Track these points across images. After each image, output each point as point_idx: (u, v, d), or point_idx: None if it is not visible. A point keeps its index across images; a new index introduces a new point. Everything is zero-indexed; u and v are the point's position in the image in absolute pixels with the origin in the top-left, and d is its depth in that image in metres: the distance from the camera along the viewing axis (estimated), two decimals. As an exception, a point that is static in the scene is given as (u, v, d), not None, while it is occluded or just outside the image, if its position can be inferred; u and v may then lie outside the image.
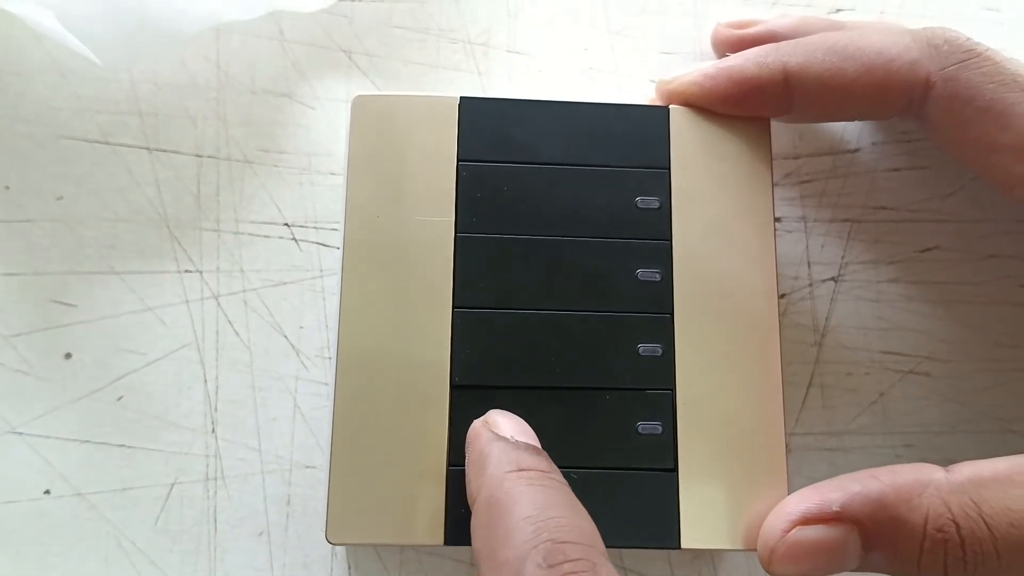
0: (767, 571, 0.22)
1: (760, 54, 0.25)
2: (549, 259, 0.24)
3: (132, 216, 0.28)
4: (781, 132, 0.29)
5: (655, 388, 0.24)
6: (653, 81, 0.28)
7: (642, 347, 0.24)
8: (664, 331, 0.24)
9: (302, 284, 0.28)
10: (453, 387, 0.23)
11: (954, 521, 0.20)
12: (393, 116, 0.25)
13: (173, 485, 0.26)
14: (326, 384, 0.27)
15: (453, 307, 0.24)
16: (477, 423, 0.22)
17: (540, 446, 0.22)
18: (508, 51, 0.30)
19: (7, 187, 0.28)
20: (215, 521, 0.26)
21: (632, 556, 0.26)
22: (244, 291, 0.27)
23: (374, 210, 0.24)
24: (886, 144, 0.29)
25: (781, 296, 0.27)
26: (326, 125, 0.29)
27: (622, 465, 0.23)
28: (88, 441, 0.26)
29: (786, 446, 0.24)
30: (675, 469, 0.23)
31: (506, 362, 0.23)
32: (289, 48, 0.29)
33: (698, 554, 0.26)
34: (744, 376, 0.24)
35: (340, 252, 0.24)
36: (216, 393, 0.27)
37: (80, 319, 0.27)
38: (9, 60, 0.29)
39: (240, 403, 0.27)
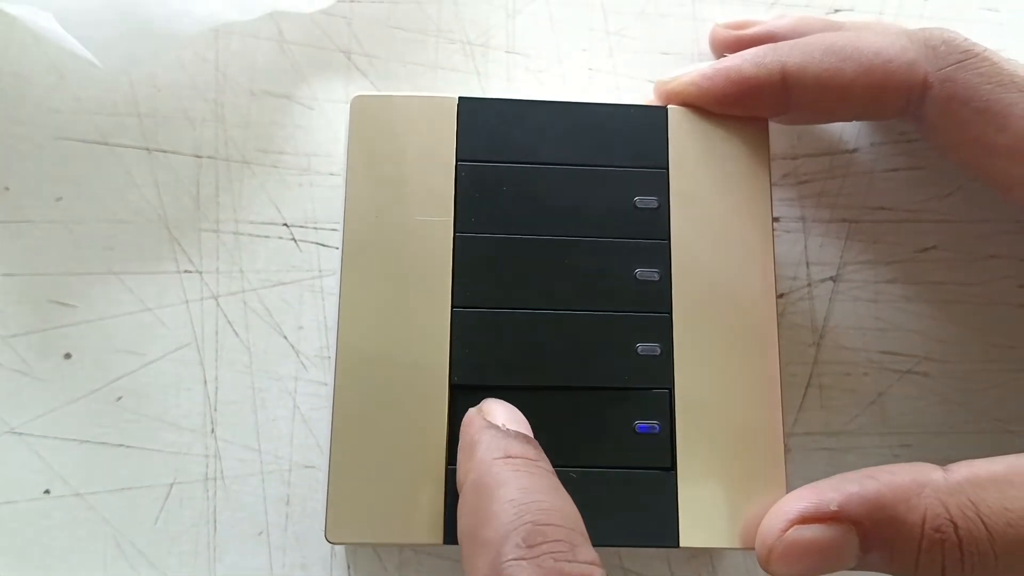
0: (765, 570, 0.22)
1: (758, 54, 0.25)
2: (548, 259, 0.24)
3: (131, 217, 0.28)
4: (779, 132, 0.29)
5: (653, 387, 0.24)
6: (651, 82, 0.28)
7: (640, 347, 0.24)
8: (662, 331, 0.24)
9: (301, 284, 0.28)
10: (452, 387, 0.23)
11: (952, 521, 0.20)
12: (392, 116, 0.25)
13: (172, 485, 0.26)
14: (325, 384, 0.27)
15: (452, 307, 0.24)
16: (472, 410, 0.22)
17: (531, 435, 0.22)
18: (507, 52, 0.30)
19: (6, 188, 0.28)
20: (214, 521, 0.26)
21: (630, 555, 0.26)
22: (243, 291, 0.27)
23: (373, 210, 0.24)
24: (884, 144, 0.29)
25: (779, 296, 0.27)
26: (325, 126, 0.29)
27: (621, 464, 0.23)
28: (87, 441, 0.26)
29: (784, 446, 0.24)
30: (674, 468, 0.23)
31: (505, 362, 0.23)
32: (288, 49, 0.29)
33: (696, 553, 0.26)
34: (742, 376, 0.24)
35: (339, 252, 0.24)
36: (215, 393, 0.27)
37: (79, 320, 0.27)
38: (8, 61, 0.29)
39: (239, 403, 0.27)
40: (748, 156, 0.25)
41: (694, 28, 0.30)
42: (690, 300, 0.24)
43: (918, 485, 0.21)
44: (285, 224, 0.28)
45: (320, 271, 0.28)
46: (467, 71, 0.29)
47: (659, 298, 0.24)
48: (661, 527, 0.23)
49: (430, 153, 0.25)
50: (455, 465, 0.23)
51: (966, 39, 0.25)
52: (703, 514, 0.23)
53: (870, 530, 0.21)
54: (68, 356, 0.27)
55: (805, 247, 0.28)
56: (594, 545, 0.20)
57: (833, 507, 0.21)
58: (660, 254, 0.24)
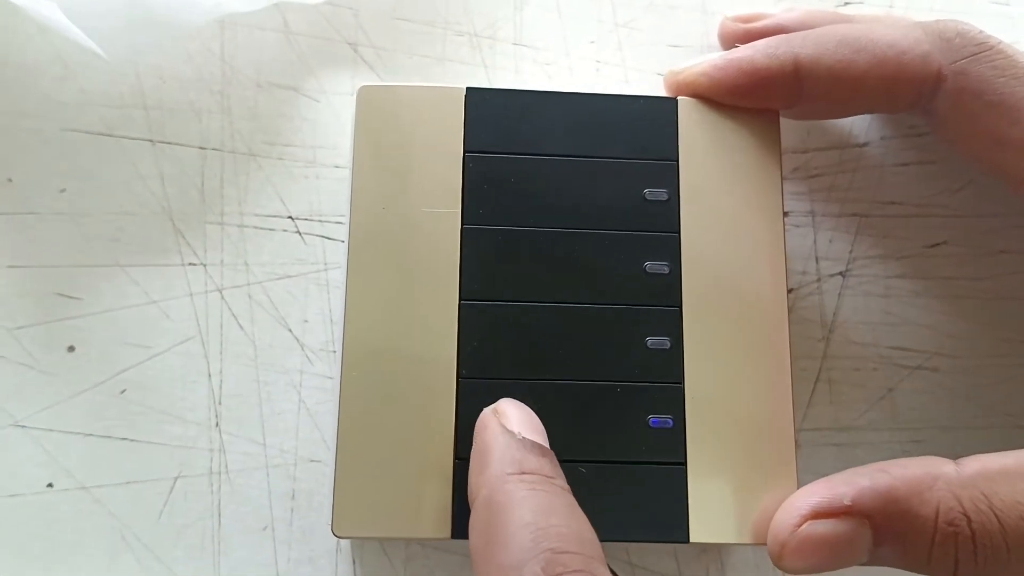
0: (777, 566, 0.21)
1: (770, 45, 0.24)
2: (556, 251, 0.24)
3: (136, 209, 0.27)
4: (789, 126, 0.28)
5: (663, 382, 0.23)
6: (660, 75, 0.28)
7: (650, 340, 0.23)
8: (672, 324, 0.24)
9: (307, 277, 0.27)
10: (460, 380, 0.23)
11: (965, 514, 0.20)
12: (399, 107, 0.25)
13: (177, 479, 0.26)
14: (331, 378, 0.27)
15: (460, 300, 0.24)
16: (487, 411, 0.22)
17: (547, 441, 0.21)
18: (515, 44, 0.30)
19: (10, 179, 0.28)
20: (219, 516, 0.26)
21: (638, 551, 0.26)
22: (248, 284, 0.27)
23: (379, 202, 0.24)
24: (895, 139, 0.29)
25: (789, 291, 0.27)
26: (331, 118, 0.29)
27: (631, 459, 0.23)
28: (91, 435, 0.26)
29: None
30: (684, 463, 0.23)
31: (513, 355, 0.23)
32: (294, 40, 0.29)
33: (705, 548, 0.26)
34: (753, 370, 0.23)
35: (345, 245, 0.24)
36: (220, 387, 0.26)
37: (84, 312, 0.27)
38: (14, 52, 0.29)
39: (244, 397, 0.26)
40: (759, 148, 0.25)
41: (703, 21, 0.30)
42: (700, 293, 0.24)
43: (931, 478, 0.21)
44: (290, 217, 0.28)
45: (326, 264, 0.28)
46: (474, 63, 0.29)
47: (669, 291, 0.24)
48: (671, 522, 0.22)
49: (437, 144, 0.24)
50: (463, 458, 0.22)
51: (980, 31, 0.24)
52: (713, 509, 0.23)
53: (882, 524, 0.20)
54: (72, 349, 0.27)
55: (815, 241, 0.28)
56: (602, 541, 0.20)
57: (846, 501, 0.20)
58: (670, 247, 0.24)
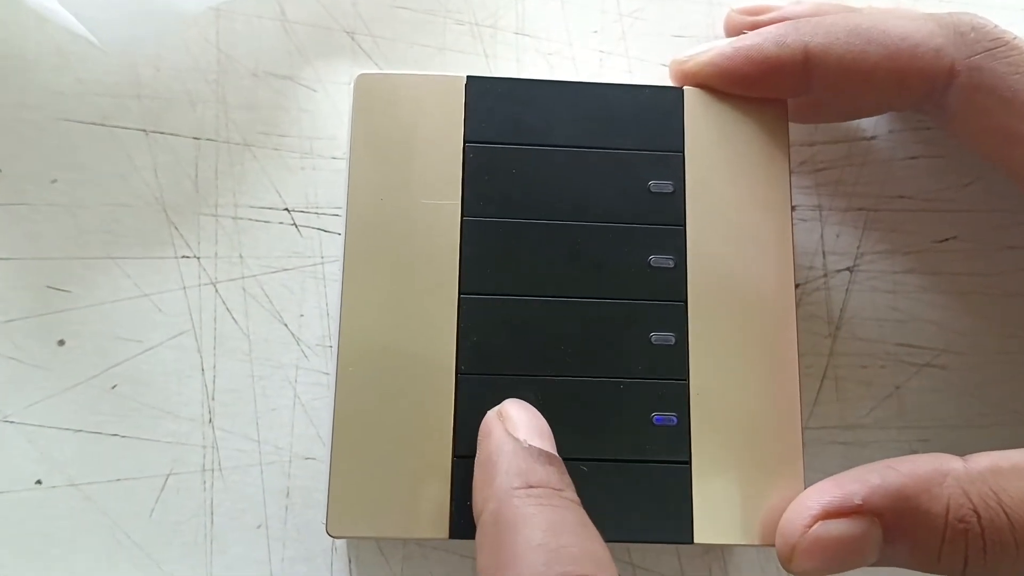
0: (786, 568, 0.21)
1: (780, 33, 0.24)
2: (559, 244, 0.23)
3: (129, 201, 0.27)
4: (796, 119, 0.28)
5: (668, 378, 0.23)
6: (665, 66, 0.27)
7: (654, 336, 0.23)
8: (677, 319, 0.23)
9: (303, 271, 0.27)
10: (459, 376, 0.23)
11: (975, 511, 0.20)
12: (397, 96, 0.24)
13: (169, 476, 0.25)
14: (327, 374, 0.26)
15: (459, 293, 0.23)
16: (491, 415, 0.21)
17: (555, 445, 0.21)
18: (516, 33, 0.29)
19: (1, 170, 0.27)
20: (212, 513, 0.25)
21: (640, 551, 0.26)
22: (243, 278, 0.27)
23: (377, 193, 0.23)
24: (903, 132, 0.29)
25: (795, 286, 0.26)
26: (329, 108, 0.28)
27: (634, 457, 0.22)
28: (82, 430, 0.26)
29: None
30: (688, 462, 0.22)
31: (514, 350, 0.23)
32: (291, 29, 0.29)
33: (708, 549, 0.26)
34: (760, 367, 0.23)
35: (342, 238, 0.24)
36: (214, 382, 0.26)
37: (75, 305, 0.26)
38: (11, 43, 0.28)
39: (238, 392, 0.26)
40: (767, 139, 0.24)
41: (709, 11, 0.29)
42: (706, 288, 0.23)
43: (940, 475, 0.20)
44: (286, 209, 0.27)
45: (322, 257, 0.27)
46: (475, 53, 0.29)
47: (674, 286, 0.23)
48: (674, 523, 0.22)
49: (437, 134, 0.24)
50: (462, 456, 0.22)
51: (996, 26, 0.24)
52: (718, 509, 0.22)
53: (893, 522, 0.20)
54: (63, 343, 0.26)
55: (821, 236, 0.28)
56: (609, 541, 0.19)
57: (858, 500, 0.20)
58: (675, 240, 0.24)
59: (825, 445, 0.26)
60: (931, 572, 0.21)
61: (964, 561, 0.20)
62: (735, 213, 0.24)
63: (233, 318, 0.26)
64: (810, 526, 0.20)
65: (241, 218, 0.27)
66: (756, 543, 0.22)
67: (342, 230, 0.24)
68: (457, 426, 0.22)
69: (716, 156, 0.24)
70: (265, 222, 0.27)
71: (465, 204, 0.23)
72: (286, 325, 0.26)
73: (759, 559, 0.26)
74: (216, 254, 0.27)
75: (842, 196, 0.28)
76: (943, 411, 0.27)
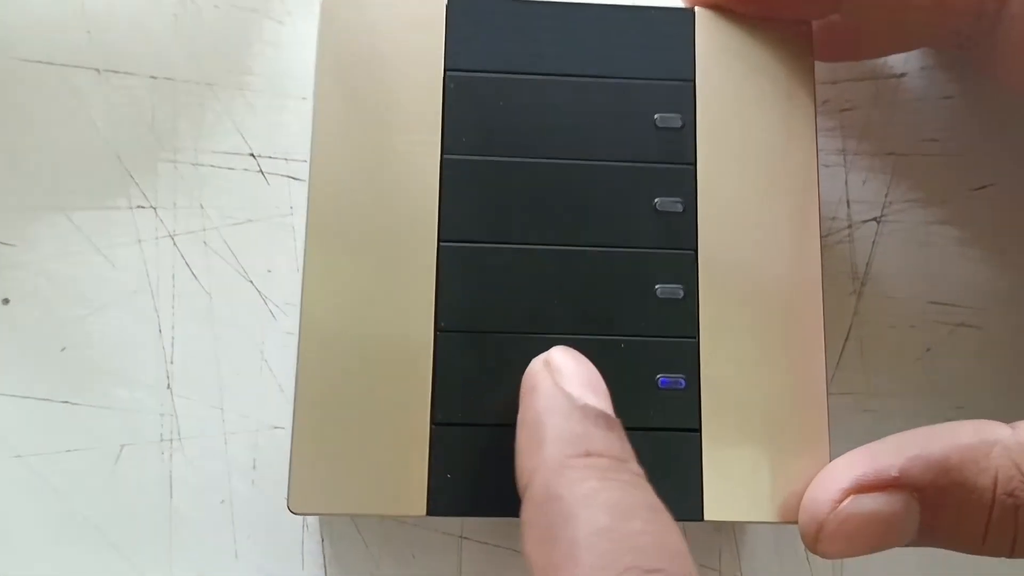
0: (811, 549, 0.19)
1: None
2: (551, 186, 0.21)
3: (79, 146, 0.25)
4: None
5: (675, 336, 0.21)
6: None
7: (660, 288, 0.21)
8: (686, 270, 0.21)
9: (270, 222, 0.25)
10: (438, 333, 0.20)
11: None
12: (369, 20, 0.22)
13: (123, 447, 0.24)
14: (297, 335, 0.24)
15: (439, 241, 0.21)
16: (537, 365, 0.19)
17: (611, 407, 0.18)
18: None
19: (-65, 110, 0.25)
20: (171, 488, 0.24)
21: None
22: (204, 230, 0.25)
23: (346, 130, 0.21)
24: (936, 69, 0.27)
25: (818, 237, 0.25)
26: (297, 43, 0.26)
27: (636, 424, 0.20)
28: (28, 397, 0.24)
29: (826, 404, 0.21)
30: (698, 429, 0.20)
31: (500, 305, 0.21)
32: (256, -46, 0.26)
33: (719, 527, 0.24)
34: (779, 324, 0.21)
35: (307, 180, 0.22)
36: (172, 344, 0.24)
37: (20, 261, 0.25)
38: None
39: (199, 356, 0.24)
40: (789, 66, 0.22)
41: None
42: (718, 235, 0.21)
43: (986, 444, 0.18)
44: (252, 154, 0.26)
45: (291, 208, 0.25)
46: (461, -21, 0.26)
47: (682, 232, 0.21)
48: (682, 498, 0.20)
49: (414, 62, 0.22)
50: (442, 424, 0.20)
51: None
52: (731, 483, 0.20)
53: (933, 498, 0.18)
54: (6, 301, 0.25)
55: (846, 183, 0.26)
56: None
57: (894, 472, 0.18)
58: (684, 181, 0.21)
59: (848, 413, 0.25)
60: (974, 553, 0.19)
61: (1013, 541, 0.18)
62: (752, 150, 0.22)
63: (193, 274, 0.25)
64: (840, 501, 0.18)
65: (202, 164, 0.25)
66: (775, 521, 0.20)
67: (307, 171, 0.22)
68: (436, 390, 0.20)
69: (731, 86, 0.22)
70: (228, 169, 0.25)
71: (445, 141, 0.21)
72: (252, 282, 0.25)
73: (776, 539, 0.24)
74: (174, 204, 0.25)
75: (869, 139, 0.26)
76: (979, 375, 0.25)
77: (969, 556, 0.19)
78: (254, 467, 0.24)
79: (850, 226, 0.26)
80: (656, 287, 0.21)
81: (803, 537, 0.19)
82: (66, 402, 0.24)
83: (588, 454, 0.17)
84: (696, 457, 0.20)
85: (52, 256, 0.25)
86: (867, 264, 0.26)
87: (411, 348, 0.20)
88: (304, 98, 0.26)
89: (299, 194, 0.25)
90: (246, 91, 0.26)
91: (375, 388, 0.20)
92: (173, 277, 0.25)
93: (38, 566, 0.23)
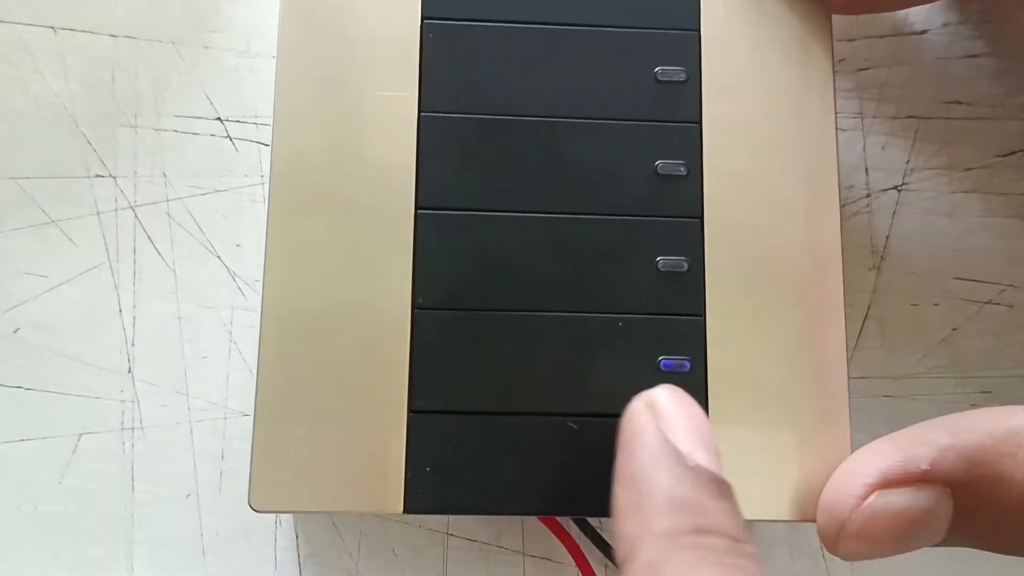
0: (831, 550, 0.17)
1: None
2: (541, 146, 0.20)
3: (33, 110, 0.24)
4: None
5: (679, 313, 0.19)
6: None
7: (662, 260, 0.19)
8: (690, 240, 0.19)
9: (239, 192, 0.24)
10: (416, 311, 0.19)
11: None
12: (339, -36, 0.20)
13: (82, 436, 0.23)
14: (268, 314, 0.23)
15: (416, 208, 0.19)
16: (639, 406, 0.17)
17: (719, 457, 0.16)
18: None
19: None
20: (133, 480, 0.22)
21: None
22: (167, 201, 0.24)
23: (312, 86, 0.19)
24: (961, 25, 0.26)
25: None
26: (269, -2, 0.25)
27: None
28: (-22, 383, 0.23)
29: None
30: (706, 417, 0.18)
31: (484, 279, 0.19)
32: (223, -100, 0.24)
33: (726, 523, 0.22)
34: (794, 300, 0.19)
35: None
36: (134, 325, 0.23)
37: (-32, 234, 0.23)
38: None
39: (163, 338, 0.23)
40: (803, 15, 0.20)
41: None
42: (726, 201, 0.20)
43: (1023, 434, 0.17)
44: (219, 118, 0.24)
45: (262, 176, 0.24)
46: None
47: (686, 198, 0.20)
48: None
49: (387, 9, 0.20)
50: (419, 412, 0.18)
51: None
52: (741, 477, 0.18)
53: (967, 493, 0.17)
54: None
55: (864, 149, 0.25)
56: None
57: (924, 465, 0.17)
58: (688, 141, 0.20)
59: (867, 399, 0.23)
60: (1009, 553, 0.18)
61: None
62: (763, 108, 0.20)
63: (156, 249, 0.23)
64: (864, 497, 0.17)
65: (165, 130, 0.24)
66: (790, 519, 0.19)
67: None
68: (413, 374, 0.19)
69: (740, 36, 0.20)
70: (194, 134, 0.24)
71: (423, 97, 0.20)
72: (219, 257, 0.23)
73: (789, 538, 0.23)
74: (136, 173, 0.24)
75: (888, 101, 0.25)
76: (1008, 358, 0.24)
77: (1002, 556, 0.18)
78: (222, 457, 0.22)
79: (868, 195, 0.24)
80: (657, 259, 0.19)
81: (822, 537, 0.17)
82: (19, 387, 0.23)
83: (700, 530, 0.15)
84: (702, 448, 0.18)
85: (4, 229, 0.23)
86: (887, 237, 0.24)
87: (386, 328, 0.19)
88: (275, 57, 0.23)
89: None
90: (212, 50, 0.24)
91: (346, 372, 0.18)
92: (134, 252, 0.23)
93: (-11, 564, 0.22)
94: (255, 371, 0.22)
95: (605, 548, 0.21)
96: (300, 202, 0.19)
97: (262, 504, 0.18)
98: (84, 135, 0.24)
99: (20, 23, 0.24)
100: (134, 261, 0.23)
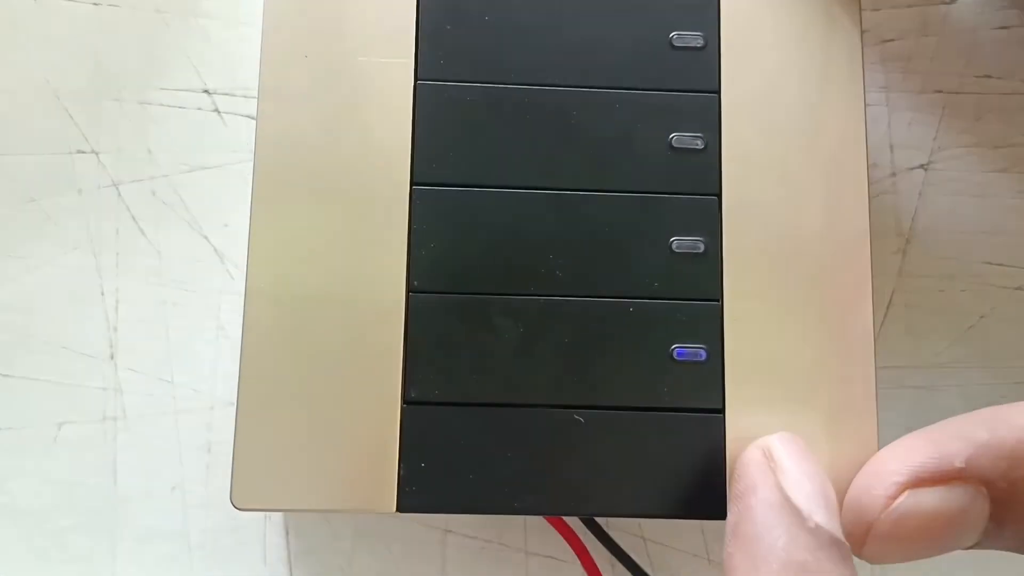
0: (856, 552, 0.16)
1: None
2: (546, 118, 0.18)
3: (12, 83, 0.23)
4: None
5: (694, 298, 0.18)
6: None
7: (676, 241, 0.18)
8: (707, 219, 0.18)
9: (227, 169, 0.23)
10: (410, 295, 0.18)
11: None
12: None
13: (62, 425, 0.22)
14: (258, 298, 0.22)
15: (411, 184, 0.18)
16: (755, 454, 0.16)
17: (837, 512, 0.16)
18: None
19: None
20: (115, 472, 0.22)
21: (653, 522, 0.22)
22: (152, 178, 0.23)
23: (300, 50, 0.18)
24: None
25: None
26: (259, -37, 0.23)
27: (647, 404, 0.18)
28: (-47, 369, 0.22)
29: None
30: (721, 410, 0.18)
31: (485, 261, 0.18)
32: None
33: (741, 521, 0.21)
34: (817, 284, 0.18)
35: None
36: (116, 309, 0.22)
37: (-57, 213, 0.23)
38: None
39: (147, 323, 0.22)
40: None
41: None
42: (746, 177, 0.18)
43: None
44: (206, 91, 0.23)
45: (251, 152, 0.22)
46: None
47: (703, 174, 0.18)
48: (702, 492, 0.17)
49: None
50: (413, 403, 0.17)
51: None
52: None
53: (1005, 493, 0.16)
54: None
55: (889, 126, 0.24)
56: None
57: (958, 463, 0.15)
58: (705, 112, 0.19)
59: (890, 389, 0.22)
60: None
61: None
62: (787, 76, 0.19)
63: (140, 229, 0.23)
64: (895, 497, 0.16)
65: (150, 103, 0.23)
66: None
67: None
68: (408, 363, 0.17)
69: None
70: (180, 108, 0.23)
71: (420, 63, 0.18)
72: (207, 238, 0.23)
73: None
74: (119, 148, 0.23)
75: (915, 75, 0.24)
76: None
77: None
78: (208, 449, 0.22)
79: (894, 174, 0.23)
80: (672, 240, 0.18)
81: (847, 538, 0.16)
82: (-3, 374, 0.22)
83: None
84: (719, 443, 0.17)
85: (-20, 208, 0.22)
86: (912, 218, 0.23)
87: (379, 313, 0.17)
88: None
89: (260, 137, 0.23)
90: (200, 19, 0.23)
91: (335, 360, 0.17)
92: (117, 232, 0.22)
93: (-36, 560, 0.21)
94: (243, 358, 0.21)
95: (612, 547, 0.20)
96: (286, 179, 0.18)
97: (245, 502, 0.17)
98: (65, 109, 0.23)
99: (-2, -10, 0.23)
100: (117, 242, 0.22)
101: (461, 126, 0.18)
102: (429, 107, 0.18)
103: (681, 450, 0.17)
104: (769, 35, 0.19)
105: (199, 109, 0.23)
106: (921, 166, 0.23)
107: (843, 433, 0.18)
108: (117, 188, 0.22)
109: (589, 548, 0.20)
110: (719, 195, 0.18)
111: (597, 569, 0.20)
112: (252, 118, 0.23)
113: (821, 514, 0.15)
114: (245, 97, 0.23)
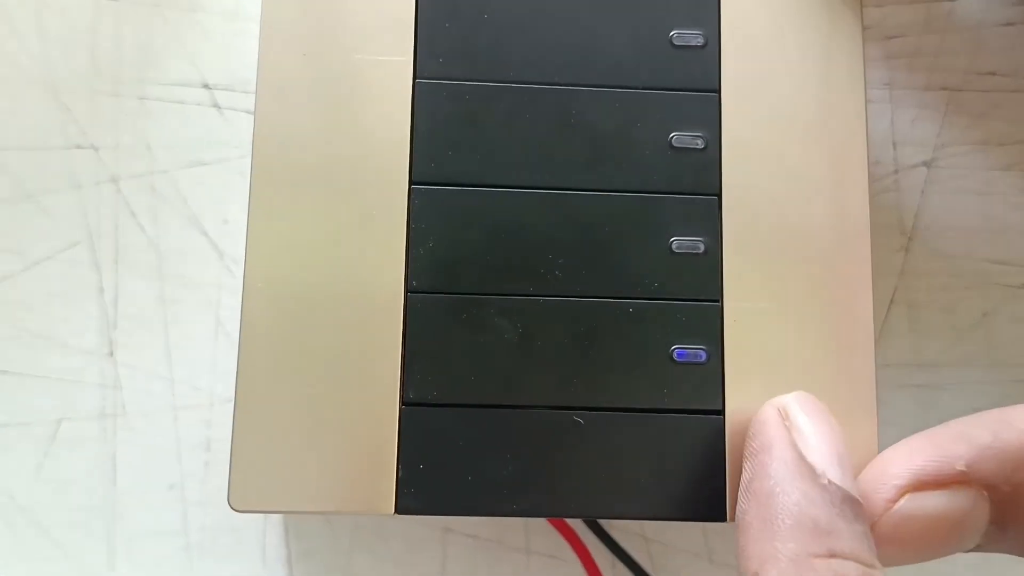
0: None
1: None
2: (545, 116, 0.18)
3: (8, 76, 0.23)
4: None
5: (694, 299, 0.18)
6: None
7: (676, 241, 0.18)
8: (707, 219, 0.18)
9: (226, 165, 0.23)
10: (409, 294, 0.18)
11: None
12: (330, -84, 0.18)
13: (60, 422, 0.22)
14: (257, 295, 0.22)
15: (410, 183, 0.18)
16: (771, 413, 0.16)
17: (853, 478, 0.16)
18: None
19: None
20: (114, 470, 0.22)
21: (653, 522, 0.21)
22: (151, 173, 0.23)
23: (298, 47, 0.18)
24: None
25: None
26: (259, -43, 0.23)
27: (647, 406, 0.18)
28: (-49, 365, 0.22)
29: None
30: (722, 412, 0.18)
31: (483, 260, 0.18)
32: None
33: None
34: (818, 285, 0.18)
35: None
36: (115, 305, 0.22)
37: (-60, 209, 0.23)
38: None
39: (146, 319, 0.22)
40: None
41: None
42: (746, 177, 0.18)
43: None
44: (205, 85, 0.23)
45: (251, 148, 0.22)
46: None
47: (703, 173, 0.18)
48: (702, 494, 0.17)
49: None
50: (411, 404, 0.17)
51: None
52: None
53: (1007, 496, 0.16)
54: None
55: (892, 122, 0.24)
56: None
57: (960, 466, 0.15)
58: (706, 112, 0.18)
59: (894, 389, 0.23)
60: None
61: None
62: (787, 76, 0.19)
63: (139, 224, 0.23)
64: (895, 500, 0.16)
65: (148, 98, 0.23)
66: None
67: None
68: (406, 363, 0.17)
69: None
70: (179, 103, 0.23)
71: (419, 61, 0.18)
72: (206, 233, 0.23)
73: None
74: (117, 144, 0.23)
75: (919, 71, 0.24)
76: None
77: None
78: (208, 447, 0.22)
79: (896, 171, 0.23)
80: (672, 240, 0.18)
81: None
82: (-5, 370, 0.22)
83: (832, 554, 0.14)
84: (719, 445, 0.17)
85: (-23, 204, 0.22)
86: (916, 216, 0.23)
87: (377, 312, 0.17)
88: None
89: (259, 133, 0.23)
90: (199, 12, 0.23)
91: (333, 361, 0.17)
92: (116, 228, 0.22)
93: (-37, 556, 0.21)
94: (242, 356, 0.21)
95: (613, 547, 0.20)
96: (284, 177, 0.18)
97: (242, 503, 0.17)
98: (63, 103, 0.23)
99: (-5, -17, 0.23)
100: (116, 238, 0.22)
101: (460, 125, 0.18)
102: (428, 106, 0.18)
103: (681, 452, 0.17)
104: (769, 34, 0.19)
105: (198, 104, 0.23)
106: (924, 163, 0.23)
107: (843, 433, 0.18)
108: (116, 184, 0.22)
109: (590, 548, 0.20)
110: (719, 195, 0.18)
111: (597, 569, 0.20)
112: (251, 113, 0.23)
113: (835, 471, 0.15)
114: (244, 92, 0.23)
